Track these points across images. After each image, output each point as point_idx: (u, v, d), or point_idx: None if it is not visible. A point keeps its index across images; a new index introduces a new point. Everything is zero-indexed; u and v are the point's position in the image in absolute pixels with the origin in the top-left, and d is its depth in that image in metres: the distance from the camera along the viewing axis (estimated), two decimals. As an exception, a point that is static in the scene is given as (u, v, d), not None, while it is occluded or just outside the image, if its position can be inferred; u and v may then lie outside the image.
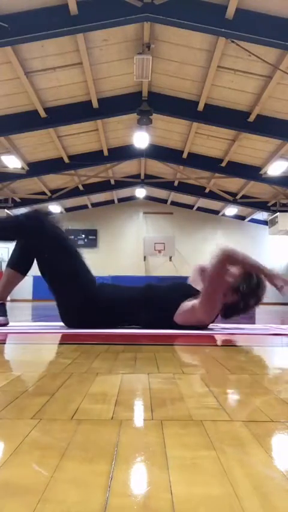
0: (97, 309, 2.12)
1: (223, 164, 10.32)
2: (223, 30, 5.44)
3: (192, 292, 2.12)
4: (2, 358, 1.29)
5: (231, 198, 12.62)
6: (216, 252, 1.94)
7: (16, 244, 2.25)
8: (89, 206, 15.16)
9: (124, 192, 14.28)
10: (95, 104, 7.89)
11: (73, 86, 7.39)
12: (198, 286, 2.20)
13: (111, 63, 7.01)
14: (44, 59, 6.51)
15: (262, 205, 13.21)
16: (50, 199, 12.84)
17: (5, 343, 1.65)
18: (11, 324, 2.28)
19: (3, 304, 2.24)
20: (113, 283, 2.43)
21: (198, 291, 2.15)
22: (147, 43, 6.35)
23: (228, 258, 1.93)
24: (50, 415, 0.62)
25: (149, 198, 14.92)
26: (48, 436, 0.54)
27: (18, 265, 2.22)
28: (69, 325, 2.17)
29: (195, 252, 15.20)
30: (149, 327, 2.08)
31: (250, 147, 9.42)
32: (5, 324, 2.20)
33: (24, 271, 2.23)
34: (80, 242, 15.06)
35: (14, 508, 0.36)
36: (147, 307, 2.10)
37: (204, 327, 2.10)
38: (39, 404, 0.67)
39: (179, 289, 2.19)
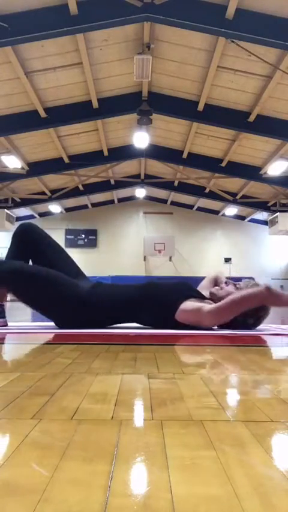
0: (89, 312, 2.10)
1: (223, 164, 10.33)
2: (223, 30, 5.45)
3: (193, 294, 2.12)
4: (1, 358, 1.29)
5: (231, 198, 12.63)
6: (260, 286, 2.01)
7: (10, 246, 2.26)
8: (89, 206, 15.17)
9: (124, 192, 14.29)
10: (95, 104, 7.89)
11: (73, 86, 7.39)
12: (204, 292, 2.20)
13: (111, 63, 7.02)
14: (44, 59, 6.52)
15: (262, 205, 13.22)
16: (50, 199, 12.85)
17: (4, 343, 1.64)
18: (10, 324, 2.28)
19: (2, 306, 2.23)
20: (110, 283, 2.42)
21: (200, 294, 2.16)
22: (147, 43, 6.36)
23: (265, 299, 1.99)
24: (50, 415, 0.62)
25: (149, 198, 14.92)
26: (48, 436, 0.54)
27: None
28: (60, 325, 2.16)
29: (195, 252, 15.21)
30: (149, 325, 2.08)
31: (250, 147, 9.42)
32: (4, 326, 2.19)
33: None
34: (80, 242, 15.07)
35: (14, 508, 0.36)
36: (146, 306, 2.09)
37: (201, 328, 2.10)
38: (39, 405, 0.67)
39: (181, 288, 2.19)
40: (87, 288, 2.17)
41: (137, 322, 2.13)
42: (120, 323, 2.16)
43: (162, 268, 15.02)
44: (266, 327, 2.38)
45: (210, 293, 2.17)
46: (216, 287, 2.20)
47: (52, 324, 2.42)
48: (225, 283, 2.20)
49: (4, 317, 2.22)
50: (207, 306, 1.99)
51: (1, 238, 13.23)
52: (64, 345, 1.61)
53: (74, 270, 2.29)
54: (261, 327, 2.21)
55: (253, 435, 0.54)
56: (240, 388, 0.84)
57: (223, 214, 15.04)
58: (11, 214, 12.89)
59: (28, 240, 2.27)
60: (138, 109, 8.01)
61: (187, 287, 2.21)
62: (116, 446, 0.50)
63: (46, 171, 10.61)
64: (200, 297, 2.13)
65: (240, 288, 2.14)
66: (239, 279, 2.34)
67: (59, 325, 2.16)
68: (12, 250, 2.25)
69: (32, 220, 13.95)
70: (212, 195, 12.87)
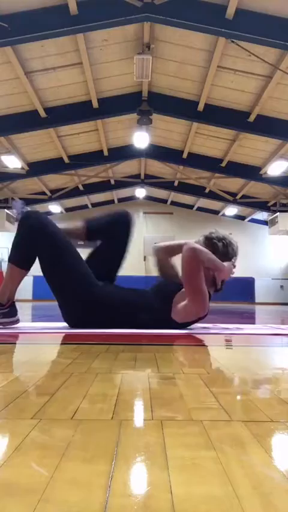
0: (98, 308, 2.11)
1: (223, 164, 10.33)
2: (223, 30, 5.45)
3: (174, 289, 2.12)
4: (2, 358, 1.29)
5: (231, 198, 12.63)
6: (184, 252, 2.03)
7: (15, 239, 2.15)
8: (89, 206, 15.16)
9: (124, 192, 14.28)
10: (95, 104, 7.89)
11: (73, 86, 7.39)
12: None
13: (111, 63, 7.02)
14: (44, 59, 6.52)
15: (262, 205, 13.21)
16: (50, 199, 12.84)
17: (5, 343, 1.64)
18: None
19: (14, 303, 2.17)
20: (114, 284, 2.41)
21: (177, 286, 2.16)
22: (147, 43, 6.35)
23: (196, 257, 2.01)
24: (50, 415, 0.62)
25: (149, 198, 14.92)
26: (48, 436, 0.54)
27: (20, 259, 2.14)
28: (71, 324, 2.16)
29: (195, 252, 15.18)
30: (148, 327, 2.08)
31: (250, 147, 9.42)
32: (17, 322, 2.18)
33: (26, 266, 2.14)
34: (80, 242, 15.03)
35: (14, 508, 0.36)
36: (144, 313, 2.09)
37: (203, 318, 2.10)
38: (39, 405, 0.67)
39: (162, 290, 2.20)
40: (98, 286, 2.17)
41: (139, 327, 2.11)
42: (123, 326, 2.12)
43: (162, 268, 14.99)
44: (266, 326, 2.38)
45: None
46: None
47: (52, 324, 2.43)
48: None
49: (16, 314, 2.18)
50: (185, 303, 2.02)
51: (1, 238, 13.23)
52: (64, 345, 1.61)
53: (87, 269, 2.25)
54: (261, 326, 2.21)
55: (253, 435, 0.54)
56: (240, 388, 0.84)
57: (223, 214, 15.04)
58: (11, 214, 12.89)
59: (42, 231, 2.12)
60: (138, 109, 8.01)
61: (166, 285, 2.22)
62: (116, 446, 0.50)
63: (46, 171, 10.61)
64: (178, 289, 2.13)
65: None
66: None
67: (66, 315, 2.18)
68: (22, 241, 2.13)
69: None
70: (212, 195, 12.87)
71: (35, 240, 2.11)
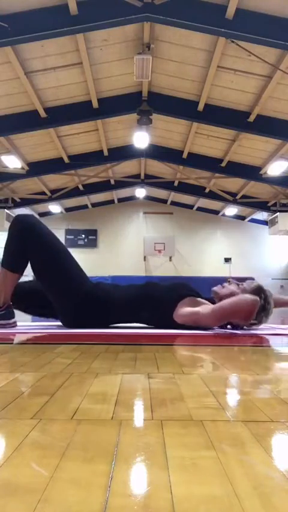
0: (93, 307, 2.12)
1: (223, 164, 10.32)
2: (223, 30, 5.45)
3: (189, 293, 2.12)
4: (2, 358, 1.29)
5: (231, 198, 12.62)
6: (251, 297, 1.97)
7: (6, 244, 2.17)
8: (89, 206, 15.16)
9: (124, 192, 14.28)
10: (95, 104, 7.89)
11: (73, 86, 7.39)
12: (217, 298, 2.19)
13: (111, 63, 7.02)
14: (44, 59, 6.52)
15: (262, 205, 13.21)
16: (50, 199, 12.83)
17: (5, 343, 1.64)
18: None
19: (11, 305, 2.17)
20: (111, 282, 2.42)
21: (196, 292, 2.16)
22: (147, 43, 6.36)
23: (252, 312, 1.98)
24: (50, 415, 0.62)
25: (149, 198, 14.92)
26: (48, 436, 0.54)
27: (12, 263, 2.16)
28: (67, 325, 2.17)
29: (195, 252, 15.20)
30: (148, 324, 2.08)
31: (250, 147, 9.42)
32: (14, 327, 2.17)
33: (19, 270, 2.16)
34: (80, 242, 15.06)
35: (14, 508, 0.36)
36: (145, 306, 2.10)
37: (201, 328, 2.11)
38: (39, 404, 0.67)
39: (177, 288, 2.20)
40: (91, 285, 2.18)
41: (137, 322, 2.14)
42: (122, 323, 2.16)
43: (162, 268, 15.01)
44: (266, 326, 2.38)
45: (212, 291, 2.17)
46: (219, 285, 2.20)
47: (52, 324, 2.43)
48: (228, 281, 2.20)
49: (13, 317, 2.18)
50: (202, 311, 2.00)
51: (1, 238, 13.22)
52: (64, 345, 1.61)
53: (79, 269, 2.27)
54: (261, 326, 2.22)
55: (253, 435, 0.54)
56: (240, 388, 0.84)
57: (223, 214, 15.03)
58: (11, 214, 12.87)
59: (31, 234, 2.14)
60: (138, 109, 8.01)
61: (184, 287, 2.21)
62: (116, 446, 0.50)
63: (46, 171, 10.60)
64: (198, 296, 2.13)
65: (243, 288, 2.14)
66: (241, 279, 2.34)
67: (62, 317, 2.17)
68: (12, 245, 2.15)
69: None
70: (212, 195, 12.86)
71: (25, 244, 2.12)
